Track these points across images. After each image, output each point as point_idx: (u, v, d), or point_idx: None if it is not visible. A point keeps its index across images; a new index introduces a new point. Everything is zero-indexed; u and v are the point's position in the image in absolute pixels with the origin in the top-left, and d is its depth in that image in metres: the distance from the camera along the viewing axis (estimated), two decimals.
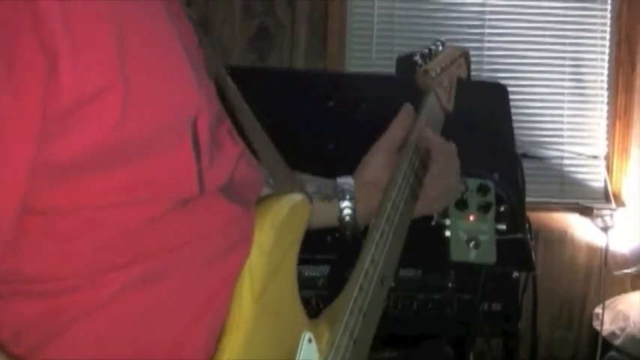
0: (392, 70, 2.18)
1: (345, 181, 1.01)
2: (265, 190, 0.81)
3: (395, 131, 1.04)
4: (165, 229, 0.64)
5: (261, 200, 0.77)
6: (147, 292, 0.64)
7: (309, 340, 0.79)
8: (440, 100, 1.15)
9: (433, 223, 1.47)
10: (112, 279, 0.62)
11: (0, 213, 0.55)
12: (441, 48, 1.22)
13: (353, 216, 0.99)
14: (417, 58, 1.17)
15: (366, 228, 0.99)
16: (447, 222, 1.45)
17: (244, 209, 0.73)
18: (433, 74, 1.15)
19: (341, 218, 0.99)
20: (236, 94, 0.81)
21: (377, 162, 1.02)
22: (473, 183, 1.48)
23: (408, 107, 1.06)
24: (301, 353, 0.78)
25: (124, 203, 0.61)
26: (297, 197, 0.79)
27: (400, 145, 1.03)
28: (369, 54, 3.13)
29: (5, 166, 0.54)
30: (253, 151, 0.80)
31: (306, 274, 1.62)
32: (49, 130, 0.55)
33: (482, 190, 1.48)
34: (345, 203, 0.99)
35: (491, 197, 1.47)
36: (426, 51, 1.19)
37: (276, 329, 0.75)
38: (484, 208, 1.45)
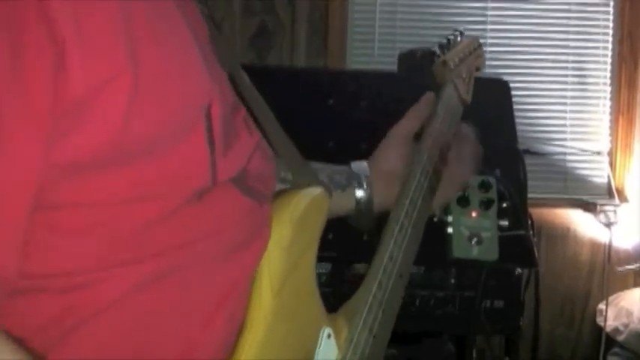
0: (394, 67, 2.18)
1: (360, 167, 0.98)
2: (278, 186, 0.80)
3: (412, 120, 1.03)
4: (178, 225, 0.63)
5: (279, 194, 0.76)
6: (160, 289, 0.63)
7: (329, 336, 0.79)
8: (458, 91, 1.13)
9: (435, 219, 1.46)
10: (125, 276, 0.61)
11: (14, 213, 0.54)
12: (459, 38, 1.20)
13: (368, 206, 0.97)
14: (436, 48, 1.16)
15: (378, 219, 0.98)
16: (449, 219, 1.44)
17: (258, 203, 0.72)
18: (452, 65, 1.12)
19: (357, 206, 0.97)
20: (250, 87, 0.79)
21: (394, 151, 1.01)
22: (475, 179, 1.47)
23: (429, 96, 1.05)
24: (320, 349, 0.78)
25: (137, 198, 0.60)
26: (315, 191, 0.78)
27: (415, 134, 1.02)
28: (371, 51, 3.12)
29: (17, 165, 0.53)
30: (269, 144, 0.78)
31: None
32: (58, 126, 0.54)
33: (484, 186, 1.47)
34: (361, 193, 0.97)
35: (493, 194, 1.47)
36: (445, 41, 1.17)
37: (295, 324, 0.75)
38: (486, 205, 1.45)
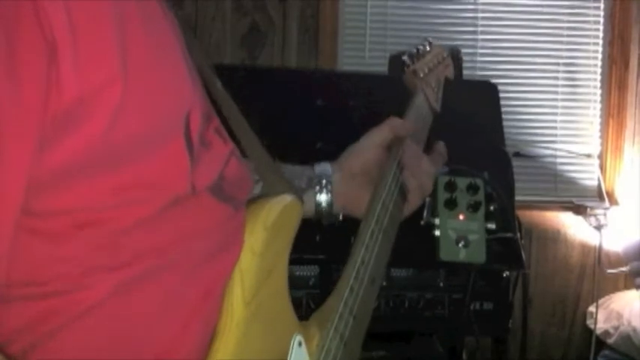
0: (385, 69, 2.18)
1: (323, 170, 0.99)
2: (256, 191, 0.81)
3: (386, 129, 1.03)
4: (156, 230, 0.63)
5: (251, 202, 0.76)
6: (138, 294, 0.63)
7: (299, 344, 0.78)
8: (428, 100, 1.14)
9: (422, 222, 1.46)
10: (103, 281, 0.61)
11: (4, 217, 0.54)
12: (428, 48, 1.22)
13: (329, 209, 0.98)
14: (405, 57, 1.17)
15: (343, 221, 0.99)
16: (437, 221, 1.44)
17: (234, 209, 0.72)
18: (421, 74, 1.14)
19: (317, 209, 0.98)
20: (223, 93, 0.80)
21: (365, 157, 1.01)
22: (462, 182, 1.47)
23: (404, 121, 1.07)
24: (292, 357, 0.77)
25: (118, 204, 0.60)
26: (288, 198, 0.78)
27: (390, 141, 1.03)
28: (362, 52, 3.12)
29: (8, 167, 0.52)
30: (240, 149, 0.79)
31: (297, 274, 1.62)
32: (50, 130, 0.54)
33: (472, 188, 1.47)
34: (322, 197, 0.98)
35: (480, 196, 1.46)
36: (414, 50, 1.18)
37: (267, 332, 0.75)
38: (474, 207, 1.44)
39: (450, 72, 1.25)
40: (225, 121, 0.76)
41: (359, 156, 1.02)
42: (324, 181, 0.98)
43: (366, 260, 0.89)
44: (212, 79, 0.78)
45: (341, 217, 1.02)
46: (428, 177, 1.03)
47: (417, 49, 1.18)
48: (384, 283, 1.67)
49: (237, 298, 0.71)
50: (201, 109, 0.68)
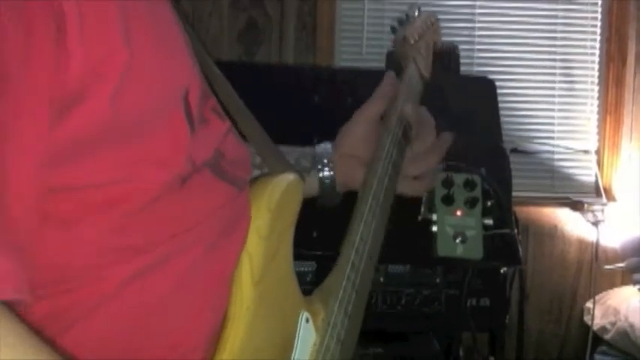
0: (382, 65, 2.18)
1: (324, 149, 1.00)
2: (254, 172, 0.81)
3: (377, 101, 1.03)
4: (163, 215, 0.64)
5: (253, 183, 0.77)
6: (152, 281, 0.64)
7: (307, 320, 0.79)
8: (419, 68, 1.13)
9: (420, 218, 1.46)
10: (116, 270, 0.62)
11: (22, 190, 0.53)
12: (417, 13, 1.20)
13: (332, 186, 0.99)
14: (395, 23, 1.16)
15: (344, 198, 0.99)
16: (434, 217, 1.44)
17: (237, 189, 0.72)
18: (412, 41, 1.13)
19: (321, 187, 0.99)
20: (219, 76, 0.80)
21: (357, 133, 1.02)
22: (459, 178, 1.47)
23: (390, 75, 1.05)
24: (300, 333, 0.78)
25: (123, 179, 0.60)
26: (289, 177, 0.78)
27: (381, 115, 1.02)
28: (359, 49, 3.12)
29: (22, 143, 0.52)
30: (238, 131, 0.79)
31: (295, 270, 1.62)
32: (59, 103, 0.54)
33: (469, 185, 1.47)
34: (325, 173, 0.99)
35: (477, 192, 1.46)
36: (404, 17, 1.18)
37: (275, 311, 0.76)
38: (471, 203, 1.44)
39: (438, 36, 1.23)
40: (221, 103, 0.76)
41: (350, 132, 1.02)
42: (325, 159, 0.99)
43: (364, 236, 0.90)
44: (208, 62, 0.78)
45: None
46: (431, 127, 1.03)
47: (407, 15, 1.18)
48: (381, 280, 1.67)
49: (246, 281, 0.72)
50: (199, 86, 0.68)
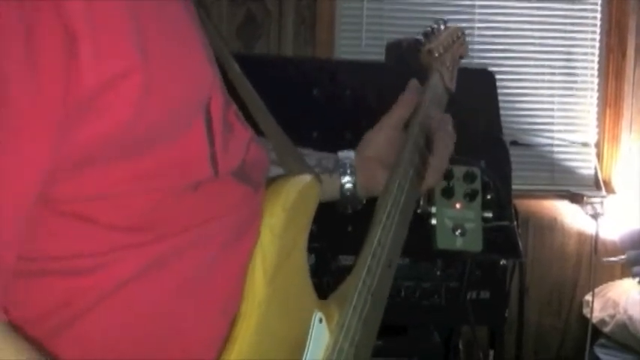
0: (382, 58, 2.17)
1: (347, 155, 1.00)
2: (274, 170, 0.81)
3: (401, 108, 1.04)
4: (176, 211, 0.64)
5: (270, 182, 0.77)
6: (163, 273, 0.64)
7: (320, 320, 0.80)
8: (443, 79, 1.15)
9: (419, 211, 1.46)
10: (129, 259, 0.62)
11: (19, 204, 0.54)
12: (443, 27, 1.21)
13: (354, 190, 0.99)
14: (421, 37, 1.17)
15: (367, 203, 1.00)
16: (433, 210, 1.44)
17: (254, 190, 0.73)
18: (437, 54, 1.14)
19: (342, 192, 0.99)
20: (240, 76, 0.80)
21: (381, 138, 1.02)
22: (459, 170, 1.46)
23: (414, 84, 1.06)
24: (313, 334, 0.79)
25: (138, 190, 0.61)
26: (306, 179, 0.79)
27: (405, 122, 1.03)
28: (358, 41, 3.11)
29: (27, 156, 0.53)
30: (258, 131, 0.79)
31: None
32: (71, 117, 0.54)
33: (469, 177, 1.46)
34: (347, 177, 0.99)
35: (477, 185, 1.46)
36: (429, 30, 1.18)
37: (288, 310, 0.76)
38: (470, 196, 1.44)
39: (464, 50, 1.25)
40: (242, 104, 0.77)
41: (373, 139, 1.03)
42: (348, 164, 0.99)
43: (382, 241, 0.90)
44: (230, 62, 0.78)
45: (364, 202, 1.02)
46: (451, 139, 1.04)
47: (432, 29, 1.19)
48: None
49: (258, 278, 0.72)
50: (222, 93, 0.68)
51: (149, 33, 0.59)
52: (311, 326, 0.79)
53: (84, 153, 0.57)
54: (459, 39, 1.23)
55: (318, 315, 0.80)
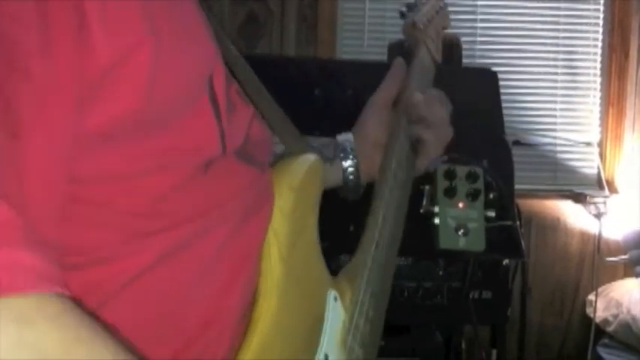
0: (384, 58, 2.17)
1: (346, 139, 0.99)
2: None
3: (388, 87, 1.03)
4: (190, 195, 0.64)
5: (275, 163, 0.78)
6: (180, 260, 0.64)
7: (335, 299, 0.80)
8: (430, 51, 1.14)
9: (422, 210, 1.46)
10: (148, 248, 0.62)
11: (52, 178, 0.53)
12: None
13: (356, 175, 0.98)
14: (404, 9, 1.16)
15: (367, 188, 0.99)
16: (436, 209, 1.44)
17: (260, 171, 0.73)
18: (421, 26, 1.13)
19: (345, 178, 0.98)
20: (238, 57, 0.80)
21: (374, 120, 1.02)
22: (462, 170, 1.46)
23: (399, 61, 1.05)
24: (329, 312, 0.79)
25: (153, 168, 0.61)
26: (311, 157, 0.80)
27: (394, 100, 1.02)
28: (360, 41, 3.11)
29: (54, 130, 0.53)
30: (262, 115, 0.80)
31: None
32: (86, 94, 0.54)
33: (472, 177, 1.46)
34: (348, 162, 0.98)
35: (480, 184, 1.46)
36: (412, 2, 1.18)
37: (303, 289, 0.76)
38: (473, 196, 1.44)
39: (447, 21, 1.24)
40: (242, 86, 0.77)
41: (366, 121, 1.02)
42: (348, 148, 0.98)
43: (387, 217, 0.90)
44: (226, 44, 0.78)
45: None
46: (443, 124, 1.00)
47: (415, 1, 1.18)
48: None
49: (274, 257, 0.72)
50: (222, 70, 0.69)
51: (154, 8, 0.59)
52: (327, 304, 0.79)
53: (99, 131, 0.56)
54: (442, 9, 1.23)
55: (332, 293, 0.80)
